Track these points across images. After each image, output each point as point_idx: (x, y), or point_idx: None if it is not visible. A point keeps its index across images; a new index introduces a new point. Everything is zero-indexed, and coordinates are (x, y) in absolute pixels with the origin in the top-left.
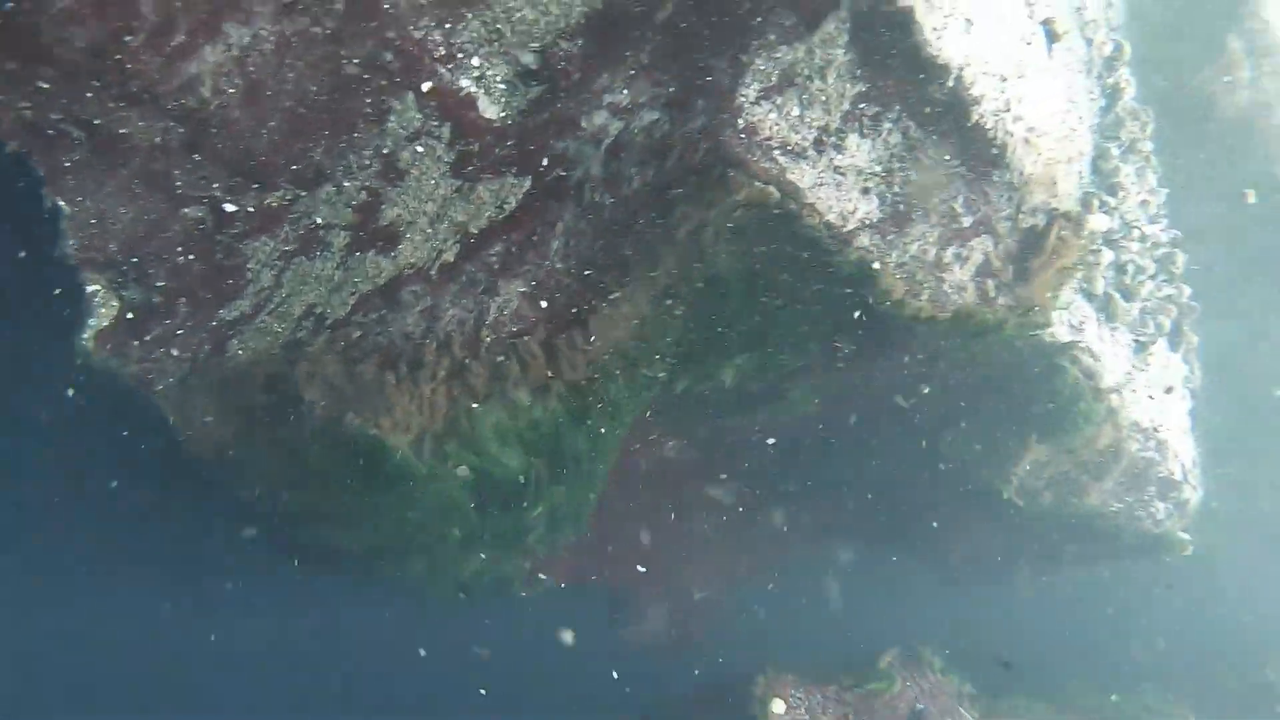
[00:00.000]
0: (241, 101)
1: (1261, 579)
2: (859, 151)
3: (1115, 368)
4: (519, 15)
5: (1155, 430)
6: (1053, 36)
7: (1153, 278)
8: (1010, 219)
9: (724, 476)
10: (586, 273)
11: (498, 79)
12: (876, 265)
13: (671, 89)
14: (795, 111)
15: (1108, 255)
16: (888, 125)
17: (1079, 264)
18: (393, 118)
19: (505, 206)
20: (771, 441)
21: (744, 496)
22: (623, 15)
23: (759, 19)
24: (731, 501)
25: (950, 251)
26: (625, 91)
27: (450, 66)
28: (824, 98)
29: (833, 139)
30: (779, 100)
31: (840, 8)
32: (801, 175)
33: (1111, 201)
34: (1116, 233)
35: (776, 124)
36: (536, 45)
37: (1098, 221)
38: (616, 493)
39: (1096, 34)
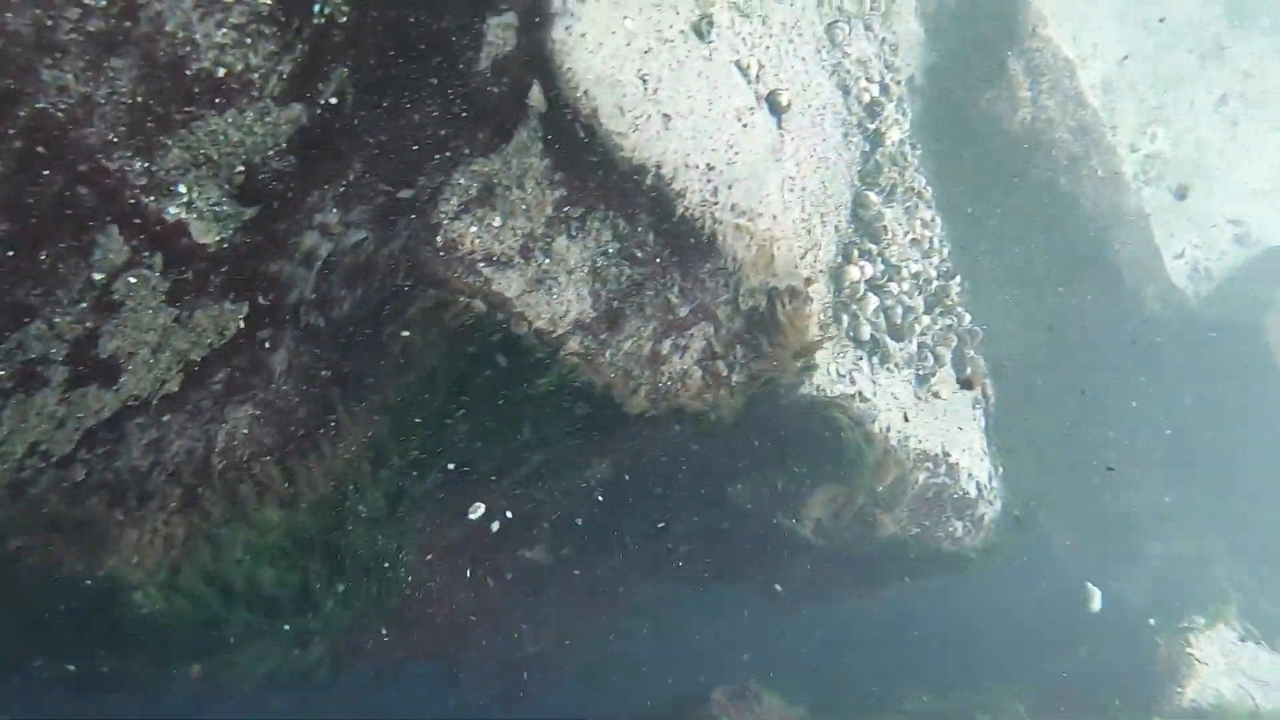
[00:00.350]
0: None
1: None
2: (569, 253)
3: (891, 406)
4: (223, 138)
5: (945, 455)
6: (778, 109)
7: (927, 312)
8: (730, 303)
9: (536, 538)
10: (312, 393)
11: (209, 203)
12: (587, 368)
13: (376, 207)
14: (497, 221)
15: (872, 301)
16: (596, 224)
17: (820, 331)
18: (98, 251)
19: (226, 333)
20: (574, 503)
21: (559, 554)
22: (327, 132)
23: (452, 136)
24: (548, 561)
25: (668, 343)
26: (335, 211)
27: (155, 195)
28: (524, 205)
29: (540, 244)
30: (480, 213)
31: (530, 118)
32: (509, 284)
33: (874, 248)
34: (880, 277)
35: (478, 236)
36: (243, 168)
37: (855, 272)
38: (428, 568)
39: (857, 83)
